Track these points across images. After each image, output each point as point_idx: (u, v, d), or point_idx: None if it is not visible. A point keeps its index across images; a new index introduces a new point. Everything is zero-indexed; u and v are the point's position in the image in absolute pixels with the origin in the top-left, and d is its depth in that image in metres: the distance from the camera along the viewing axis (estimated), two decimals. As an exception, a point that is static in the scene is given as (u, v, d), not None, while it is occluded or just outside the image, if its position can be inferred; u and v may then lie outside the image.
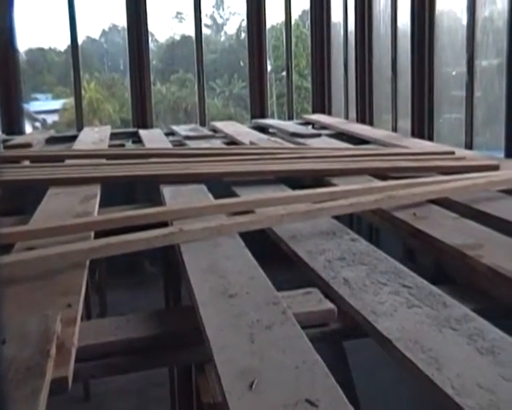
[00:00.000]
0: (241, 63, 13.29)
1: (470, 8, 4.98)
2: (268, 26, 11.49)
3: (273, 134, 5.77)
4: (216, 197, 3.01)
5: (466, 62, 4.92)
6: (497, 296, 2.01)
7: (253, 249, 2.33)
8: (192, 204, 2.71)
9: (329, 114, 7.79)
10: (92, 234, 2.43)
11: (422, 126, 5.42)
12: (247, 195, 3.05)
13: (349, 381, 2.15)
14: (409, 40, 5.83)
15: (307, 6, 8.42)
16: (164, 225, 2.54)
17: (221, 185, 3.37)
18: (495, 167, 3.32)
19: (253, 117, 7.72)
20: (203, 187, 3.26)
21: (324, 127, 5.89)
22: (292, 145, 4.70)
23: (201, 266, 2.11)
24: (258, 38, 7.93)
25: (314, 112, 7.96)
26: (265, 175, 3.45)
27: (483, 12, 5.09)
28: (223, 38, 18.69)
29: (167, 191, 3.15)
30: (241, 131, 5.71)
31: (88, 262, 2.15)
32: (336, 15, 7.86)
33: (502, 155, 4.42)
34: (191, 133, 5.53)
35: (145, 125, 7.03)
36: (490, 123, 4.91)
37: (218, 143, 5.06)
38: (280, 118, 9.91)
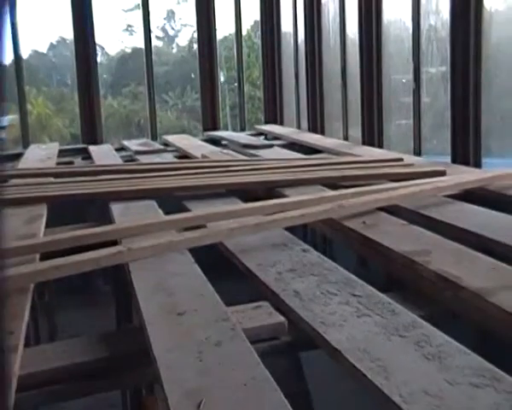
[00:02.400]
0: (193, 75, 13.26)
1: (415, 18, 5.08)
2: (220, 36, 11.48)
3: (225, 146, 5.76)
4: (167, 213, 2.98)
5: (412, 71, 5.01)
6: (444, 302, 2.04)
7: (206, 262, 2.32)
8: (141, 221, 2.67)
9: (281, 124, 7.83)
10: (37, 256, 2.37)
11: (372, 134, 5.49)
12: (198, 209, 3.03)
13: (304, 391, 2.14)
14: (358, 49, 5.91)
15: (259, 16, 8.48)
16: (113, 243, 2.50)
17: (172, 201, 3.34)
18: (442, 173, 3.38)
19: (205, 129, 7.70)
20: (153, 203, 3.22)
21: (276, 138, 5.91)
22: (244, 157, 4.70)
23: (150, 285, 2.07)
24: (209, 49, 7.93)
25: (266, 122, 7.99)
26: (217, 189, 3.44)
27: (427, 21, 5.21)
28: (175, 50, 18.61)
29: (116, 209, 3.10)
30: (193, 144, 5.69)
31: (32, 286, 2.09)
32: (287, 25, 7.93)
33: (449, 159, 4.52)
34: (142, 148, 5.47)
35: (95, 140, 6.92)
36: (438, 128, 5.01)
37: (169, 158, 5.02)
38: (234, 129, 9.91)
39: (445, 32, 4.79)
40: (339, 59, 6.38)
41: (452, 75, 4.53)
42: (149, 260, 2.28)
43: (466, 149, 4.33)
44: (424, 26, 5.16)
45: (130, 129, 13.49)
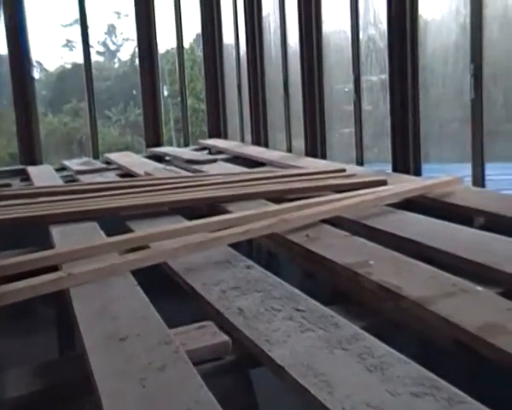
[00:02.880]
0: (134, 92, 13.13)
1: (354, 29, 5.17)
2: (162, 50, 11.42)
3: (169, 162, 5.72)
4: (109, 234, 2.93)
5: (353, 81, 5.10)
6: (386, 312, 2.07)
7: (150, 282, 2.29)
8: (83, 244, 2.62)
9: (225, 137, 7.84)
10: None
11: (315, 145, 5.56)
12: (142, 229, 2.99)
13: (253, 407, 2.13)
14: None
15: (200, 29, 8.47)
16: (54, 268, 2.44)
17: (115, 221, 3.28)
18: (383, 182, 3.44)
19: (148, 145, 7.63)
20: (95, 225, 3.16)
21: (220, 152, 5.91)
22: (188, 173, 4.68)
23: (91, 310, 2.03)
24: (151, 63, 7.87)
25: (210, 136, 7.99)
26: (160, 207, 3.40)
27: (367, 32, 5.32)
28: (116, 65, 18.40)
29: (57, 232, 3.03)
30: (136, 161, 5.63)
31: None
32: (228, 37, 7.94)
33: (390, 167, 4.61)
34: (83, 167, 5.38)
35: (34, 161, 6.74)
36: (379, 136, 5.11)
37: (111, 176, 4.95)
38: (178, 143, 9.84)
39: (383, 43, 4.89)
40: (281, 70, 6.44)
41: (391, 85, 4.63)
42: (91, 284, 2.24)
43: (406, 157, 4.42)
44: (364, 36, 5.27)
45: (72, 147, 13.24)
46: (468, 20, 3.78)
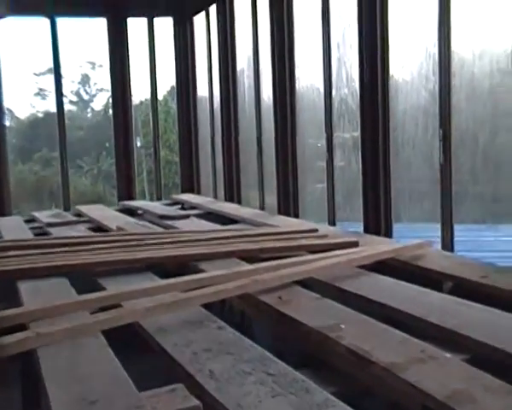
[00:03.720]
0: (107, 145, 13.13)
1: (326, 86, 5.30)
2: (136, 101, 11.51)
3: (141, 216, 5.71)
4: (80, 292, 2.90)
5: (325, 140, 5.20)
6: (356, 377, 2.07)
7: (121, 342, 2.26)
8: (52, 302, 2.58)
9: (198, 192, 7.88)
10: None
11: (288, 203, 5.62)
12: (113, 286, 2.97)
13: None
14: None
15: (175, 82, 8.57)
16: (21, 327, 2.39)
17: (86, 278, 3.25)
18: (354, 244, 3.49)
19: (120, 197, 7.62)
20: (65, 281, 3.12)
21: (193, 207, 5.93)
22: (160, 229, 4.68)
23: (60, 371, 1.99)
24: (125, 114, 7.92)
25: (183, 190, 8.01)
26: (132, 264, 3.39)
27: (340, 91, 5.46)
28: (90, 115, 18.47)
29: (25, 289, 2.98)
30: (108, 214, 5.60)
31: None
32: (203, 90, 8.04)
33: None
34: (54, 220, 5.33)
35: (2, 212, 6.66)
36: (352, 192, 5.18)
37: (82, 230, 4.92)
38: (151, 194, 9.83)
39: (356, 101, 5.02)
40: (255, 126, 6.54)
41: (362, 147, 4.74)
42: (60, 345, 2.20)
43: (377, 218, 4.50)
44: (337, 94, 5.40)
45: (42, 196, 13.16)
46: (437, 87, 3.92)
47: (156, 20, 8.20)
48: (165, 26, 8.39)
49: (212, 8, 7.34)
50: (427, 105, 4.27)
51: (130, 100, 8.14)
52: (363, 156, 4.74)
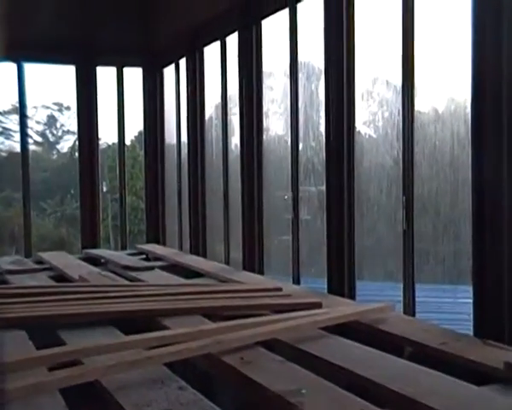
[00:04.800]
0: (72, 186, 12.98)
1: (293, 143, 5.40)
2: (104, 145, 11.50)
3: (105, 266, 5.65)
4: (39, 346, 2.84)
5: (291, 201, 5.27)
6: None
7: (81, 398, 2.22)
8: (7, 358, 2.52)
9: (164, 242, 7.83)
10: None
11: (253, 259, 5.64)
12: (74, 340, 2.93)
13: None
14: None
15: (142, 127, 8.59)
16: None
17: (45, 330, 3.19)
18: (318, 305, 3.51)
19: (84, 242, 7.53)
20: (23, 334, 3.05)
21: (158, 258, 5.89)
22: (124, 281, 4.64)
23: (14, 434, 1.94)
24: (91, 157, 7.88)
25: (148, 239, 7.96)
26: (95, 317, 3.34)
27: (308, 143, 5.57)
28: (55, 157, 18.31)
29: (-19, 341, 2.91)
30: (71, 263, 5.53)
31: None
32: (171, 137, 8.06)
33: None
34: (13, 267, 5.23)
35: (-41, 254, 6.53)
36: (319, 247, 5.21)
37: (43, 279, 4.83)
38: (115, 241, 9.71)
39: (322, 155, 5.10)
40: (222, 178, 6.57)
41: (328, 210, 4.80)
42: (14, 403, 2.15)
43: (341, 279, 4.55)
44: (304, 147, 5.50)
45: (3, 237, 12.88)
46: (400, 155, 4.04)
47: (126, 69, 8.28)
48: (134, 72, 8.48)
49: (182, 61, 7.46)
50: (392, 173, 4.40)
51: (97, 144, 8.12)
52: (328, 219, 4.81)
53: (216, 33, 6.53)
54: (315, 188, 5.48)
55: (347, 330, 3.21)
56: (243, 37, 5.93)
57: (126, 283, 4.56)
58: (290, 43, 5.35)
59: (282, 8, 5.37)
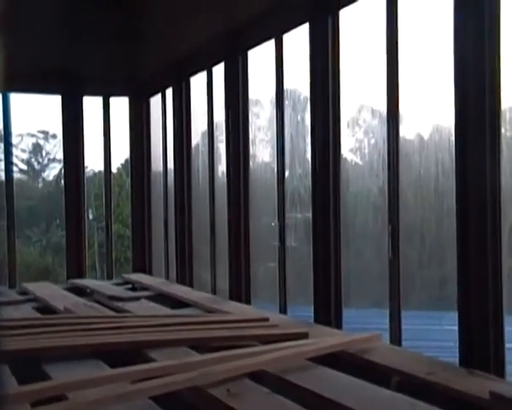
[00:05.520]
0: (57, 219, 12.89)
1: (280, 171, 5.42)
2: (90, 173, 11.45)
3: (90, 296, 5.60)
4: (22, 380, 2.80)
5: (278, 231, 5.28)
6: None
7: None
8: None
9: (150, 271, 7.79)
10: None
11: (240, 288, 5.62)
12: (59, 374, 2.90)
13: None
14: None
15: (129, 155, 8.58)
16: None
17: (29, 364, 3.15)
18: (305, 335, 3.51)
19: (69, 271, 7.46)
20: (6, 369, 3.01)
21: (144, 288, 5.86)
22: (110, 312, 4.60)
23: None
24: (77, 185, 7.84)
25: (135, 268, 7.91)
26: (80, 350, 3.31)
27: (295, 171, 5.59)
28: (41, 185, 18.22)
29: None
30: (56, 293, 5.48)
31: None
32: (158, 164, 8.05)
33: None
34: (-3, 298, 5.18)
35: None
36: (305, 275, 5.19)
37: (28, 310, 4.79)
38: (101, 269, 9.61)
39: (308, 182, 5.11)
40: (208, 207, 6.56)
41: (314, 232, 4.81)
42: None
43: (327, 307, 4.55)
44: (290, 174, 5.53)
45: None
46: (386, 184, 4.07)
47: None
48: (121, 101, 8.50)
49: (169, 90, 7.50)
50: (377, 201, 4.44)
51: (84, 172, 8.09)
52: (314, 244, 4.82)
53: (202, 64, 6.59)
54: (301, 215, 5.50)
55: (334, 360, 3.21)
56: (229, 67, 5.99)
57: (112, 314, 4.53)
58: (276, 72, 5.40)
59: (268, 38, 5.43)
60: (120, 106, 8.54)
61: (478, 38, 3.41)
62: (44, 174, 18.53)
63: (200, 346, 3.41)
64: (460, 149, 3.57)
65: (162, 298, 5.29)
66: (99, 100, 8.22)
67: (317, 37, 4.75)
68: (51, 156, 17.94)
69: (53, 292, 5.57)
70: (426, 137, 4.38)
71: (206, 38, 6.27)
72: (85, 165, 8.25)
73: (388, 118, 4.13)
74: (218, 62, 6.26)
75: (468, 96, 3.50)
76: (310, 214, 5.02)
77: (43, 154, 18.08)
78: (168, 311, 4.67)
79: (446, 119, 3.86)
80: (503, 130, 3.57)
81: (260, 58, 5.88)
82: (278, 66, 5.38)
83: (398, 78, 4.08)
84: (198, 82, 6.99)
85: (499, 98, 3.42)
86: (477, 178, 3.43)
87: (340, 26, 4.67)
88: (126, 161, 10.51)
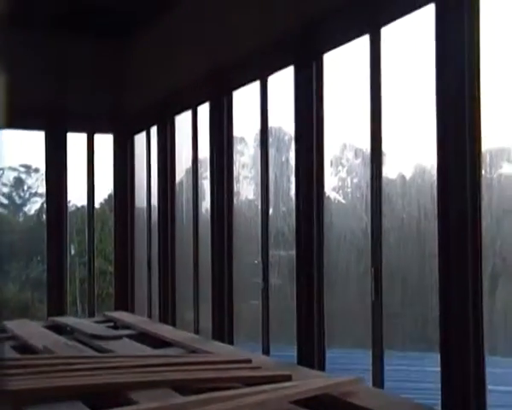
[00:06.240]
0: (38, 254, 12.78)
1: (264, 209, 5.44)
2: (72, 208, 11.41)
3: (71, 334, 5.53)
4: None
5: (261, 272, 5.29)
6: None
7: None
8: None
9: (132, 305, 7.74)
10: None
11: (223, 328, 5.60)
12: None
13: None
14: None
15: (112, 190, 8.57)
16: None
17: (5, 408, 3.09)
18: (288, 378, 3.49)
19: (50, 307, 7.38)
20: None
21: (127, 327, 5.79)
22: (91, 351, 4.54)
23: None
24: (59, 220, 7.81)
25: (117, 302, 7.84)
26: (60, 392, 3.25)
27: (280, 209, 5.62)
28: (22, 219, 18.06)
29: None
30: (35, 331, 5.39)
31: None
32: (141, 200, 8.04)
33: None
34: (-27, 338, 5.07)
35: None
36: (291, 314, 5.19)
37: (6, 349, 4.70)
38: (82, 305, 9.52)
39: (292, 221, 5.14)
40: (192, 243, 6.55)
41: (297, 273, 4.83)
42: None
43: (311, 347, 4.54)
44: (274, 212, 5.55)
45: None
46: (369, 227, 4.12)
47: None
48: (106, 137, 8.51)
49: (154, 128, 7.55)
50: (361, 244, 4.48)
51: (66, 206, 8.06)
52: (297, 283, 4.83)
53: (187, 103, 6.66)
54: (285, 252, 5.52)
55: (317, 403, 3.19)
56: (214, 107, 6.06)
57: (93, 353, 4.46)
58: (261, 113, 5.48)
59: (253, 80, 5.51)
60: (105, 141, 8.57)
61: (459, 80, 3.50)
62: (26, 208, 18.39)
63: (182, 387, 3.36)
64: (441, 190, 3.63)
65: (144, 337, 5.23)
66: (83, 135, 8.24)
67: (301, 79, 4.84)
68: (33, 190, 17.83)
69: (32, 330, 5.48)
70: (408, 176, 4.45)
71: (192, 79, 6.35)
72: (68, 200, 8.23)
73: (372, 159, 4.19)
74: (203, 102, 6.33)
75: (449, 138, 3.57)
76: (293, 252, 5.04)
77: (25, 188, 17.97)
78: (150, 351, 4.62)
79: (428, 159, 3.92)
80: (483, 171, 3.64)
81: (245, 96, 5.96)
82: (263, 106, 5.46)
83: (381, 119, 4.15)
84: (183, 119, 7.04)
85: (479, 141, 3.49)
86: (458, 219, 3.48)
87: (325, 67, 4.76)
88: (110, 196, 10.50)
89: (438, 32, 3.63)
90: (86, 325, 5.83)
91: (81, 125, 7.99)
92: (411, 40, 4.14)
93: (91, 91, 7.76)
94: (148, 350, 4.64)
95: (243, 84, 5.71)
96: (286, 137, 5.85)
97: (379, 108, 4.12)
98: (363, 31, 4.25)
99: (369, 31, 4.18)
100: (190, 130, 6.66)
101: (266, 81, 5.37)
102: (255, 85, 5.52)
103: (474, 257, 3.37)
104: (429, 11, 3.71)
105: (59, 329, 5.81)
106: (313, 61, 4.68)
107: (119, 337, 5.09)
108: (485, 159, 3.79)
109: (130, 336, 5.22)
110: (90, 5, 7.00)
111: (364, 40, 4.26)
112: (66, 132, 7.87)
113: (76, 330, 5.53)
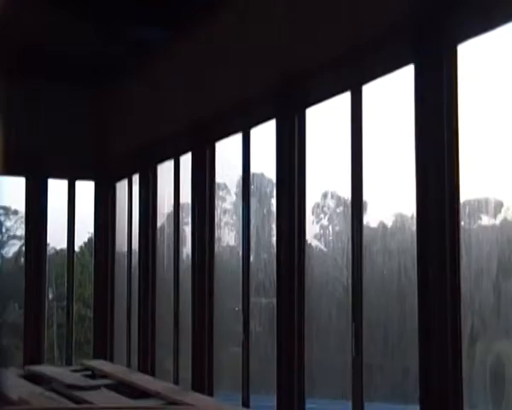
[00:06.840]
0: (15, 298, 12.59)
1: (245, 257, 5.44)
2: (51, 251, 11.29)
3: (48, 383, 5.43)
4: None
5: (242, 323, 5.26)
6: None
7: None
8: None
9: (111, 352, 7.62)
10: None
11: (203, 379, 5.54)
12: None
13: None
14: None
15: (92, 233, 8.48)
16: None
17: None
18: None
19: (26, 356, 7.23)
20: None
21: (105, 376, 5.71)
22: (68, 402, 4.47)
23: None
24: (38, 263, 7.70)
25: (95, 348, 7.71)
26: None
27: (261, 256, 5.62)
28: (-1, 262, 17.74)
29: None
30: (11, 381, 5.28)
31: None
32: (122, 245, 7.97)
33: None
34: None
35: None
36: (272, 362, 5.13)
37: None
38: (59, 349, 9.34)
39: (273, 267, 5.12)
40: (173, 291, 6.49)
41: (278, 322, 4.80)
42: None
43: (290, 401, 4.51)
44: (257, 259, 5.55)
45: None
46: (350, 281, 4.14)
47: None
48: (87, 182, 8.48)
49: (136, 176, 7.56)
50: (342, 298, 4.49)
51: (45, 250, 7.97)
52: (277, 333, 4.80)
53: (169, 153, 6.70)
54: (266, 300, 5.51)
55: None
56: (197, 157, 6.10)
57: (70, 405, 4.39)
58: (243, 163, 5.52)
59: (235, 132, 5.57)
60: (86, 186, 8.53)
61: (438, 129, 3.56)
62: (3, 251, 18.13)
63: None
64: (421, 244, 3.66)
65: (123, 388, 5.16)
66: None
67: (283, 131, 4.90)
68: (11, 233, 17.61)
69: (7, 380, 5.38)
70: (389, 223, 4.48)
71: (174, 130, 6.40)
72: (47, 243, 8.15)
73: (352, 210, 4.23)
74: (185, 152, 6.37)
75: (429, 190, 3.61)
76: (274, 300, 5.03)
77: (3, 230, 17.74)
78: (129, 402, 4.55)
79: (408, 207, 3.96)
80: (462, 223, 3.68)
81: (228, 142, 6.00)
82: (245, 158, 5.51)
83: (362, 169, 4.19)
84: (164, 165, 7.07)
85: (458, 192, 3.53)
86: (437, 271, 3.51)
87: (308, 118, 4.82)
88: (90, 239, 10.41)
89: (417, 90, 3.72)
90: (63, 374, 5.75)
91: (62, 172, 7.96)
92: (392, 96, 4.23)
93: (72, 138, 7.76)
94: (126, 401, 4.58)
95: (225, 136, 5.76)
96: (268, 184, 5.89)
97: (360, 158, 4.17)
98: (344, 88, 4.34)
99: (351, 88, 4.27)
100: (172, 175, 6.67)
101: (249, 133, 5.42)
102: (238, 135, 5.58)
103: (453, 312, 3.38)
104: (409, 70, 3.82)
105: (35, 378, 5.71)
106: (295, 114, 4.75)
107: (97, 387, 5.02)
108: (465, 210, 3.83)
109: (108, 386, 5.14)
110: (74, 52, 7.05)
111: (346, 96, 4.34)
112: (47, 179, 7.85)
113: (53, 380, 5.44)
